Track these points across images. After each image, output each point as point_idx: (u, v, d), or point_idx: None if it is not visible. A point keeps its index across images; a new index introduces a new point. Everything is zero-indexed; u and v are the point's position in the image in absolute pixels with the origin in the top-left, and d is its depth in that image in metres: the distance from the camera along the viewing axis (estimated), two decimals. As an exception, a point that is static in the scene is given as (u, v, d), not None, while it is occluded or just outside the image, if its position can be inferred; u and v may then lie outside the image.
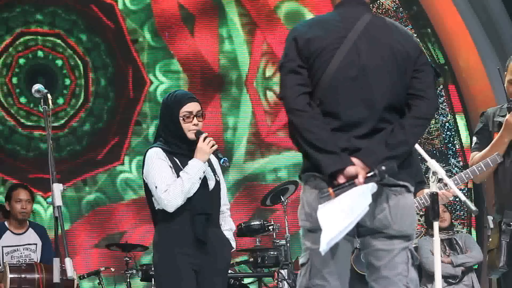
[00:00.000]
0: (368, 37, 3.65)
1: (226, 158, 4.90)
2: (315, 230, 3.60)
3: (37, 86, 4.57)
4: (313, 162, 3.59)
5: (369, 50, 3.64)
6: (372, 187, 3.53)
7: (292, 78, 3.63)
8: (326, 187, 3.55)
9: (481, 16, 10.04)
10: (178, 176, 4.84)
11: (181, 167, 4.86)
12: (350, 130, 3.61)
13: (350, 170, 3.52)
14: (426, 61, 3.73)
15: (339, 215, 3.48)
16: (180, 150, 4.91)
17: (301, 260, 3.73)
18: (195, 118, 4.91)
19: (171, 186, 4.79)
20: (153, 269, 7.58)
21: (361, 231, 3.66)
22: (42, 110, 4.50)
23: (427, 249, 7.99)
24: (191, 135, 4.90)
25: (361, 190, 3.51)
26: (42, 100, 4.51)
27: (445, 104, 10.41)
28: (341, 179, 3.52)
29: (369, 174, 3.53)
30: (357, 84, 3.61)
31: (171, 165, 4.88)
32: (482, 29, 10.02)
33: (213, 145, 4.87)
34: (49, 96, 4.51)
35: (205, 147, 4.86)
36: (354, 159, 3.55)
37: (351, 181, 3.51)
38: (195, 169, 4.82)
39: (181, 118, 4.89)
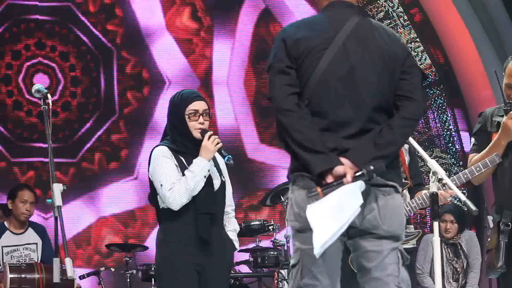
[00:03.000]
0: (356, 38, 3.67)
1: (230, 156, 4.91)
2: (304, 230, 3.61)
3: (37, 86, 4.56)
4: (301, 162, 3.60)
5: (358, 51, 3.66)
6: (361, 185, 3.54)
7: (280, 78, 3.64)
8: (314, 186, 3.56)
9: (481, 16, 10.04)
10: (183, 175, 4.84)
11: (187, 166, 4.87)
12: (338, 130, 3.62)
13: (338, 169, 3.54)
14: (413, 63, 3.76)
15: (328, 214, 3.49)
16: (186, 149, 4.92)
17: (292, 261, 3.74)
18: (201, 116, 4.92)
19: (176, 184, 4.79)
20: (153, 268, 7.62)
21: (351, 232, 3.67)
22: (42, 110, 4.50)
23: (424, 259, 7.96)
24: (197, 134, 4.91)
25: (349, 189, 3.52)
26: (42, 100, 4.51)
27: (445, 104, 10.41)
28: (330, 179, 3.54)
29: (357, 174, 3.55)
30: (345, 85, 3.63)
31: (177, 164, 4.89)
32: (482, 29, 10.02)
33: (217, 143, 4.87)
34: (49, 96, 4.51)
35: (209, 145, 4.86)
36: (342, 159, 3.57)
37: (340, 181, 3.53)
38: (200, 167, 4.83)
39: (187, 117, 4.90)
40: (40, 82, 9.26)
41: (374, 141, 3.62)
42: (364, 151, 3.59)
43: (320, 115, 3.63)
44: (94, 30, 10.10)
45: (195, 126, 4.91)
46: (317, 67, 3.62)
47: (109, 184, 9.96)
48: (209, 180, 4.90)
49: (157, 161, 4.89)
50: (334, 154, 3.58)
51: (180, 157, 4.91)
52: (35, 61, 9.96)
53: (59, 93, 9.95)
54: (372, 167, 3.54)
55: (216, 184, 4.97)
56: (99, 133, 10.02)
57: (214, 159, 5.00)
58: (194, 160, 4.85)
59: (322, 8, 3.81)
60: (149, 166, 4.97)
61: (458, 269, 8.01)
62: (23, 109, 9.93)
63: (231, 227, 5.10)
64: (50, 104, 4.49)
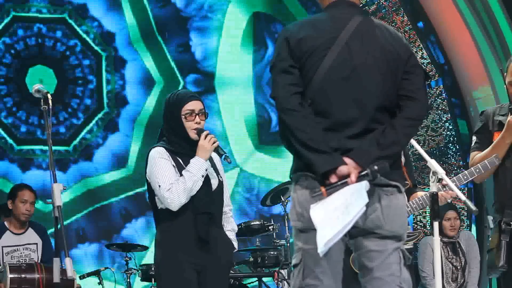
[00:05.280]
0: (359, 38, 3.66)
1: (227, 155, 4.90)
2: (306, 230, 3.62)
3: (37, 86, 4.56)
4: (305, 162, 3.60)
5: (361, 50, 3.65)
6: (366, 185, 3.54)
7: (284, 78, 3.64)
8: (317, 186, 3.56)
9: (481, 16, 10.05)
10: (181, 175, 4.83)
11: (184, 166, 4.86)
12: (341, 130, 3.62)
13: (342, 169, 3.54)
14: (416, 63, 3.75)
15: (332, 214, 3.49)
16: (183, 150, 4.91)
17: (293, 261, 3.73)
18: (197, 116, 4.91)
19: (174, 185, 4.78)
20: (153, 268, 7.61)
21: (353, 232, 3.66)
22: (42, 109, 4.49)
23: (428, 262, 7.94)
24: (193, 134, 4.90)
25: (354, 189, 3.52)
26: (42, 100, 4.50)
27: (445, 104, 10.41)
28: (334, 179, 3.54)
29: (361, 174, 3.55)
30: (348, 84, 3.63)
31: (174, 165, 4.88)
32: (482, 29, 10.02)
33: (214, 142, 4.87)
34: (49, 96, 4.50)
35: (206, 144, 4.86)
36: (346, 159, 3.57)
37: (344, 181, 3.53)
38: (197, 167, 4.83)
39: (183, 117, 4.89)
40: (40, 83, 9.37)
41: (377, 141, 3.61)
42: (367, 151, 3.59)
43: (323, 114, 3.62)
44: (96, 30, 10.11)
45: (191, 126, 4.90)
46: (320, 67, 3.62)
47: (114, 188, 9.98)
48: (206, 180, 4.89)
49: (154, 162, 4.87)
50: (338, 154, 3.58)
51: (177, 157, 4.90)
52: (36, 64, 9.96)
53: (60, 93, 9.94)
54: (376, 167, 3.54)
55: (214, 183, 4.97)
56: (101, 134, 10.03)
57: (210, 159, 4.99)
58: (191, 160, 4.85)
59: (325, 7, 3.81)
60: (146, 168, 4.96)
61: (458, 267, 8.01)
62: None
63: (230, 227, 5.10)
64: (50, 104, 4.48)
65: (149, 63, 10.17)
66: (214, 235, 4.89)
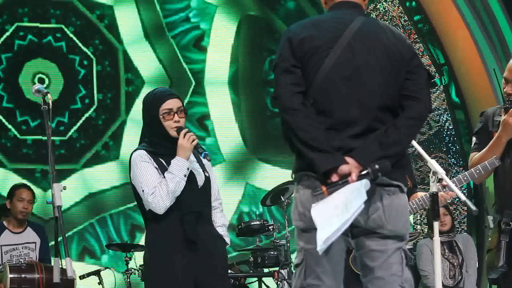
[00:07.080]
0: (362, 38, 3.67)
1: (207, 152, 4.83)
2: (308, 229, 3.62)
3: (37, 86, 4.56)
4: (306, 161, 3.61)
5: (363, 50, 3.66)
6: (366, 184, 3.54)
7: (286, 77, 3.65)
8: (319, 186, 3.56)
9: (481, 16, 10.05)
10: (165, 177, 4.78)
11: (167, 167, 4.78)
12: (343, 129, 3.63)
13: (343, 168, 3.55)
14: (419, 63, 3.76)
15: (333, 213, 3.49)
16: (165, 150, 4.82)
17: (295, 261, 3.74)
18: (175, 115, 4.83)
19: (157, 189, 4.71)
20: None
21: (355, 231, 3.67)
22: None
23: (427, 261, 7.93)
24: (173, 133, 4.82)
25: (354, 187, 3.53)
26: (42, 100, 4.51)
27: (445, 104, 10.42)
28: (335, 178, 3.55)
29: (362, 173, 3.55)
30: (350, 84, 3.63)
31: (157, 166, 4.80)
32: (482, 29, 10.03)
33: (193, 140, 4.79)
34: (49, 96, 4.51)
35: (185, 143, 4.77)
36: (347, 158, 3.58)
37: (345, 180, 3.54)
38: (178, 167, 4.75)
39: (161, 116, 4.80)
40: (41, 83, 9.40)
41: (379, 140, 3.62)
42: (369, 150, 3.59)
43: (325, 114, 3.63)
44: (99, 27, 10.12)
45: (171, 125, 4.81)
46: (322, 66, 3.62)
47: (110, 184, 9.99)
48: (192, 178, 4.82)
49: (137, 166, 4.80)
50: (339, 153, 3.58)
51: (160, 159, 4.81)
52: (36, 61, 9.98)
53: (60, 94, 9.96)
54: (377, 166, 3.55)
55: (200, 180, 4.89)
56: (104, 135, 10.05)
57: (197, 155, 4.92)
58: (172, 161, 4.76)
59: (328, 8, 3.83)
60: (129, 171, 4.88)
61: (455, 264, 8.02)
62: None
63: (220, 222, 5.01)
64: (50, 104, 4.49)
65: (156, 60, 10.19)
66: (204, 233, 4.81)
